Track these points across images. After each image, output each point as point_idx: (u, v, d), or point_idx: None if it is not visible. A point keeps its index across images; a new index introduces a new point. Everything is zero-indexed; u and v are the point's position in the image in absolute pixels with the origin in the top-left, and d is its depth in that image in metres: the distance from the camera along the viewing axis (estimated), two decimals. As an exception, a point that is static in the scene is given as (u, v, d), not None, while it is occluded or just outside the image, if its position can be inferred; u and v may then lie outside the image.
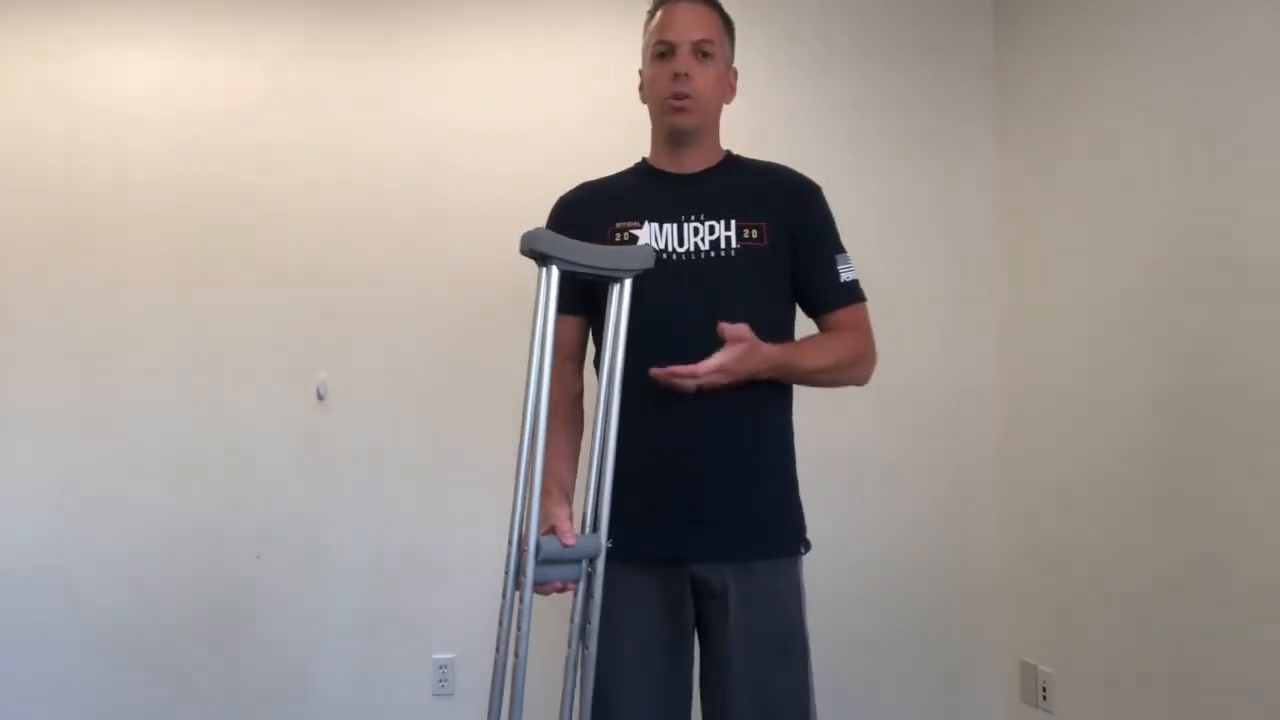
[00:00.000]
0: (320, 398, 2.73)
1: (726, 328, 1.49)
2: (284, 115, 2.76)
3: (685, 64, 1.62)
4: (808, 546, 1.70)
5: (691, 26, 1.64)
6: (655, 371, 1.49)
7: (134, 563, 2.66)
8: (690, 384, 1.50)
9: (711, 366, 1.48)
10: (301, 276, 2.74)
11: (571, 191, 1.75)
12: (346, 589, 2.73)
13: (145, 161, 2.71)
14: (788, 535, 1.68)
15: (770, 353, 1.55)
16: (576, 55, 2.83)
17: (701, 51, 1.64)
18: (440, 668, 2.73)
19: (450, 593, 2.72)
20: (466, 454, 2.73)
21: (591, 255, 1.48)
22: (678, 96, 1.63)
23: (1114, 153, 2.53)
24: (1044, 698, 2.74)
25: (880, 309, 2.87)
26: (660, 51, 1.65)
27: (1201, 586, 2.23)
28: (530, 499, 1.43)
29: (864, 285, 2.85)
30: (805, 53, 2.94)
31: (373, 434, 2.75)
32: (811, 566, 2.80)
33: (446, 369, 2.77)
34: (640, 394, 1.52)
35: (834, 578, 2.85)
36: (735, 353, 1.50)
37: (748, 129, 2.82)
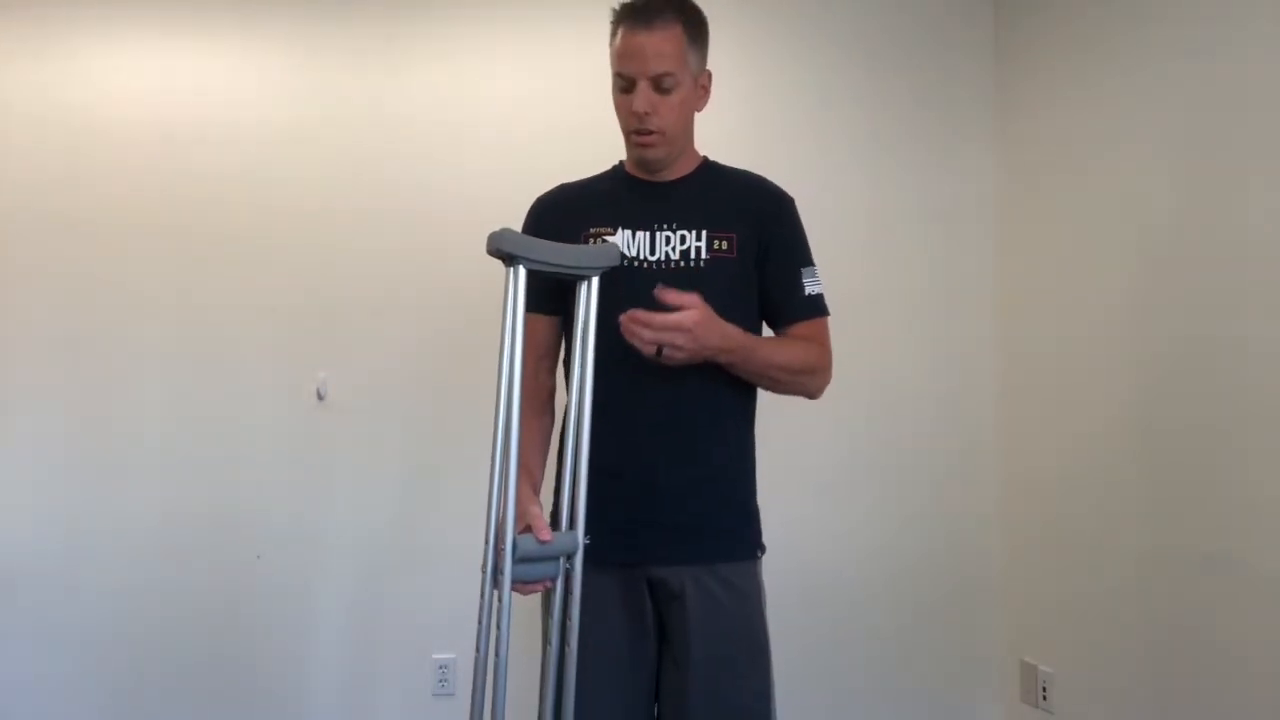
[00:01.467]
0: (320, 398, 2.73)
1: (667, 294, 1.46)
2: (283, 116, 2.77)
3: (645, 103, 1.58)
4: (763, 549, 1.69)
5: (651, 58, 1.58)
6: (621, 318, 1.47)
7: (133, 563, 2.67)
8: (649, 337, 1.45)
9: (671, 321, 1.45)
10: (301, 276, 2.75)
11: (548, 194, 1.75)
12: (346, 589, 2.74)
13: (144, 161, 2.72)
14: (744, 538, 1.67)
15: (730, 329, 1.53)
16: (575, 56, 2.83)
17: (660, 87, 1.59)
18: (440, 668, 2.74)
19: (450, 593, 2.71)
20: (467, 453, 2.70)
21: (557, 254, 1.49)
22: (641, 133, 1.61)
23: (1112, 152, 2.53)
24: (1044, 698, 2.74)
25: (878, 307, 2.92)
26: (621, 86, 1.62)
27: (1202, 586, 2.23)
28: (505, 497, 1.44)
29: (860, 285, 2.89)
30: (804, 52, 2.94)
31: (373, 434, 2.76)
32: (811, 566, 2.83)
33: (447, 368, 2.77)
34: (601, 398, 1.52)
35: (833, 577, 2.86)
36: (694, 316, 1.45)
37: (745, 128, 2.84)
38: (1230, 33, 2.19)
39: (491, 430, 1.50)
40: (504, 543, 1.42)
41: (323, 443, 2.74)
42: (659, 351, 1.46)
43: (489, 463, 1.48)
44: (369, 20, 2.80)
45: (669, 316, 1.45)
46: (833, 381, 2.81)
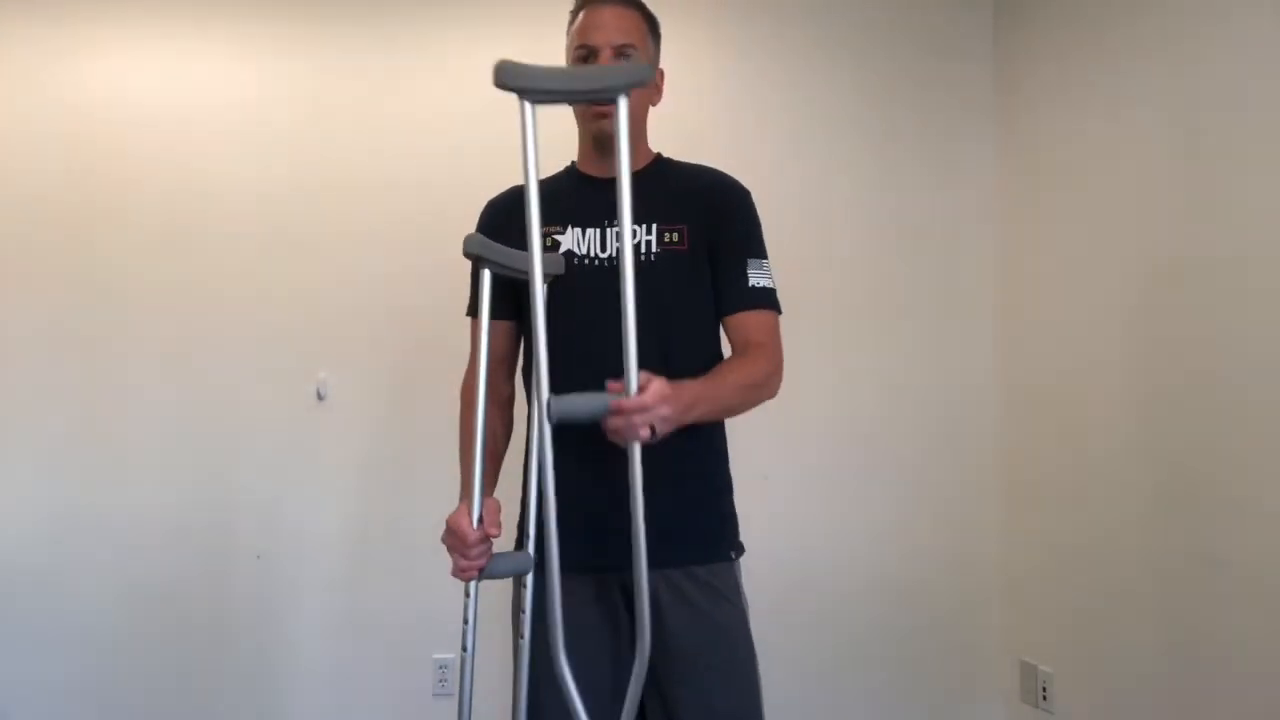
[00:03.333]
0: (320, 398, 2.73)
1: (614, 384, 1.36)
2: (284, 117, 2.77)
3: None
4: (740, 551, 1.66)
5: (613, 31, 1.60)
6: (610, 423, 1.35)
7: (133, 563, 2.67)
8: (641, 420, 1.33)
9: (650, 398, 1.33)
10: (301, 277, 2.75)
11: (499, 196, 1.74)
12: (347, 588, 2.74)
13: (143, 162, 2.72)
14: (718, 539, 1.65)
15: (688, 385, 1.45)
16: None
17: (624, 56, 1.60)
18: (440, 668, 2.73)
19: (451, 592, 2.70)
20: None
21: (570, 79, 1.43)
22: (600, 103, 1.59)
23: (1113, 153, 2.53)
24: (1044, 698, 2.74)
25: (879, 310, 2.92)
26: (582, 56, 1.62)
27: (1201, 586, 2.23)
28: (542, 496, 1.45)
29: (861, 288, 2.89)
30: (804, 54, 2.94)
31: (373, 433, 2.76)
32: (810, 567, 2.83)
33: (447, 368, 2.75)
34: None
35: (833, 577, 2.86)
36: (660, 384, 1.35)
37: (744, 130, 2.84)
38: (1231, 33, 2.19)
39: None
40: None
41: (322, 443, 2.74)
42: (653, 432, 1.37)
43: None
44: (367, 21, 2.80)
45: (645, 396, 1.33)
46: (834, 383, 2.87)
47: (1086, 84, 2.63)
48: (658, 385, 1.34)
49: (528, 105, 1.31)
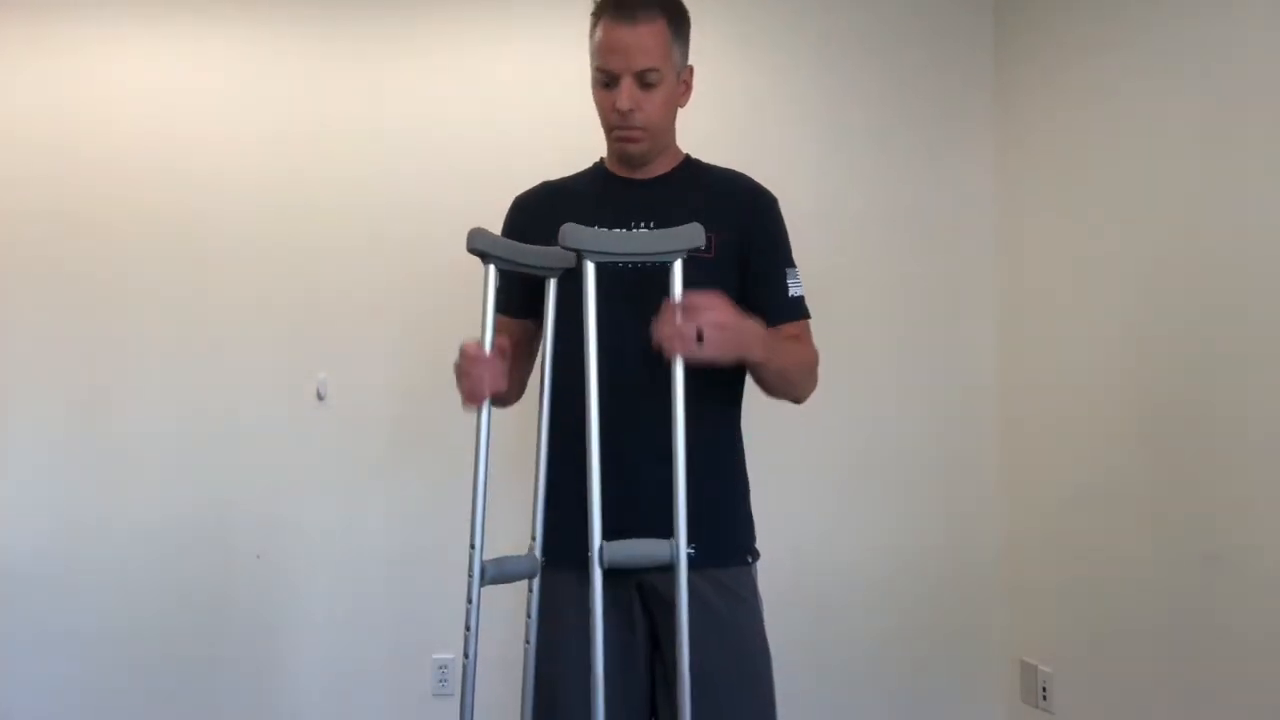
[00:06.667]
0: (320, 398, 2.73)
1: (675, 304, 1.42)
2: (285, 114, 2.77)
3: (628, 99, 1.55)
4: (756, 556, 1.66)
5: (634, 54, 1.54)
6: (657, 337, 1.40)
7: (133, 562, 2.67)
8: (705, 313, 1.39)
9: (706, 298, 1.41)
10: (301, 276, 2.75)
11: (528, 192, 1.73)
12: (346, 588, 2.74)
13: (144, 162, 2.72)
14: (733, 543, 1.65)
15: (756, 327, 1.50)
16: (570, 54, 2.82)
17: (646, 81, 1.56)
18: (440, 668, 2.73)
19: (450, 592, 2.69)
20: (467, 453, 2.71)
21: (624, 244, 1.50)
22: (623, 129, 1.58)
23: (1113, 151, 2.53)
24: (1044, 698, 2.74)
25: (879, 308, 2.92)
26: (603, 81, 1.58)
27: (1201, 586, 2.23)
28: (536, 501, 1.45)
29: (861, 286, 2.89)
30: (805, 50, 2.94)
31: (373, 433, 2.76)
32: (811, 567, 2.83)
33: (448, 369, 2.76)
34: (581, 403, 1.46)
35: (834, 578, 2.86)
36: (718, 293, 1.43)
37: (742, 127, 2.84)
38: (1232, 31, 2.19)
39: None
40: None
41: (323, 443, 2.74)
42: (699, 336, 1.40)
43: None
44: (367, 22, 2.80)
45: (698, 296, 1.41)
46: (833, 382, 2.84)
47: (1087, 82, 2.62)
48: (716, 293, 1.42)
49: (589, 264, 1.42)
